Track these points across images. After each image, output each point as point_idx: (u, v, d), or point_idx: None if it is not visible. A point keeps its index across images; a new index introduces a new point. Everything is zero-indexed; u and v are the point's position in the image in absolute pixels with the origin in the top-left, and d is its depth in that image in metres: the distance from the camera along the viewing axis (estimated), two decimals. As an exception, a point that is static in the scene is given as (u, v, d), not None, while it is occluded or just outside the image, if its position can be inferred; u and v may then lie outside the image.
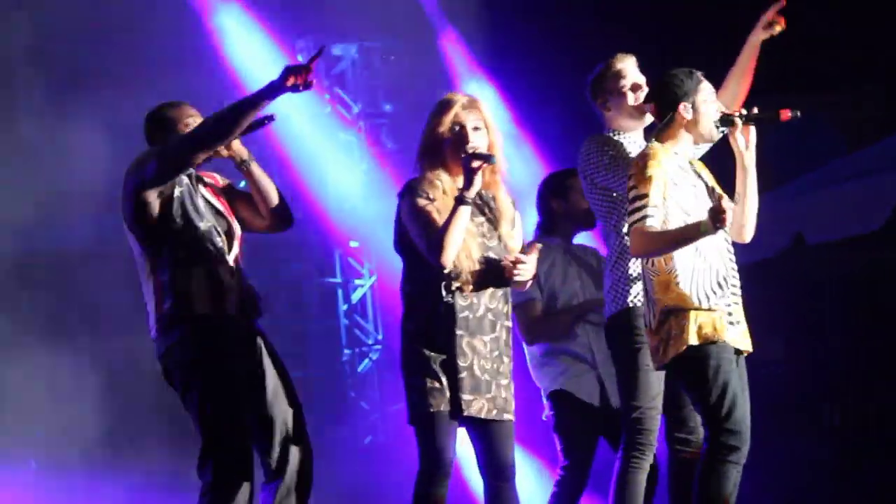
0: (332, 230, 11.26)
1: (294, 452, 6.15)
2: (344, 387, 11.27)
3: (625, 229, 6.19)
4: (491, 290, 6.06)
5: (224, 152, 6.18)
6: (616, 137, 6.51)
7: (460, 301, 5.99)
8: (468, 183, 5.90)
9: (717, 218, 5.67)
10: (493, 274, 6.05)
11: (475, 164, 5.92)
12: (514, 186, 6.31)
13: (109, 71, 9.47)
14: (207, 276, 6.07)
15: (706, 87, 6.02)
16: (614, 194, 6.35)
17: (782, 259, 9.92)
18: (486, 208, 6.13)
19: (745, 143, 6.03)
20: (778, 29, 6.51)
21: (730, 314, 5.94)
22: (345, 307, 11.69)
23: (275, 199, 6.22)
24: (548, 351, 7.22)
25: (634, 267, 6.29)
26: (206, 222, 6.10)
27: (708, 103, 6.01)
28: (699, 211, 5.86)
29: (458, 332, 5.97)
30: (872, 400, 10.95)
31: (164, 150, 6.03)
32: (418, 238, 5.97)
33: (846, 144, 11.74)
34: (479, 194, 6.03)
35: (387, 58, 10.33)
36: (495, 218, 6.15)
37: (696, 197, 5.95)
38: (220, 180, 6.33)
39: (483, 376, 5.99)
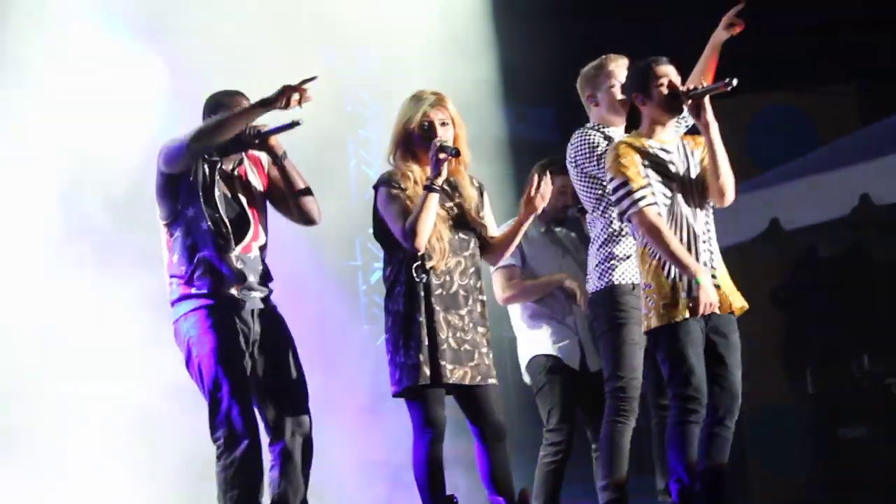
0: (352, 218, 11.16)
1: (292, 419, 6.33)
2: (363, 359, 11.12)
3: (614, 215, 6.41)
4: (462, 267, 6.21)
5: (261, 148, 6.32)
6: (597, 131, 6.63)
7: (434, 280, 6.13)
8: (436, 171, 6.09)
9: (703, 297, 5.94)
10: (462, 252, 6.22)
11: (441, 155, 6.09)
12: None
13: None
14: (209, 263, 6.25)
15: (659, 72, 6.18)
16: (603, 183, 6.47)
17: (760, 241, 10.15)
18: (455, 194, 6.27)
19: (697, 115, 6.15)
20: (738, 30, 6.59)
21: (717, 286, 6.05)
22: (364, 287, 11.83)
23: (303, 197, 6.37)
24: (533, 314, 7.29)
25: (620, 248, 6.49)
26: (215, 213, 6.25)
27: (660, 89, 6.16)
28: (673, 185, 6.10)
29: (436, 307, 6.10)
30: (845, 368, 11.07)
31: (174, 139, 6.25)
32: (393, 225, 6.13)
33: (819, 137, 11.90)
34: (447, 181, 6.20)
35: (402, 60, 10.40)
36: (462, 203, 6.29)
37: (669, 173, 6.13)
38: (265, 162, 6.48)
39: (463, 347, 6.13)
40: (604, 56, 6.76)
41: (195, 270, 6.28)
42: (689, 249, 6.10)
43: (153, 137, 8.50)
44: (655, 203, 6.08)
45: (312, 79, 6.11)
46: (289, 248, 9.48)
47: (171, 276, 6.38)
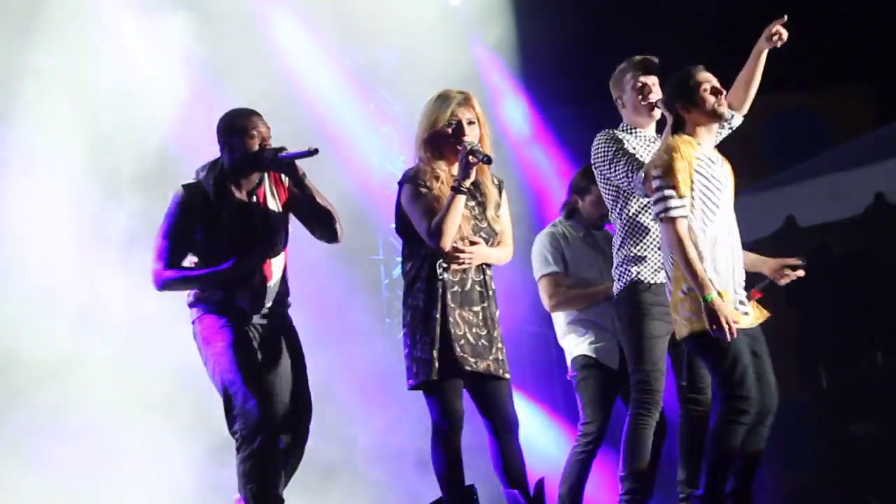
0: (376, 213, 11.34)
1: (291, 430, 6.38)
2: (386, 350, 11.12)
3: (631, 212, 6.51)
4: (476, 265, 6.20)
5: (279, 171, 6.35)
6: (626, 133, 6.69)
7: (451, 277, 6.14)
8: (464, 174, 6.07)
9: (713, 318, 5.93)
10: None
11: (472, 159, 6.06)
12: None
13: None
14: (224, 285, 6.32)
15: (700, 79, 6.20)
16: (617, 185, 6.56)
17: (775, 239, 10.09)
18: (477, 193, 6.26)
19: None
20: (779, 43, 6.60)
21: (740, 302, 6.12)
22: (386, 281, 11.83)
23: (323, 217, 6.36)
24: (574, 319, 7.36)
25: (638, 249, 6.55)
26: (228, 242, 6.26)
27: (704, 95, 6.17)
28: (718, 197, 6.13)
29: (451, 305, 6.11)
30: (856, 365, 11.13)
31: (156, 248, 6.32)
32: (418, 223, 6.10)
33: (833, 137, 11.90)
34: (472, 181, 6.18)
35: (425, 61, 10.44)
36: (485, 202, 6.29)
37: (715, 184, 6.16)
38: (285, 179, 6.46)
39: (480, 342, 6.15)
40: (628, 59, 6.78)
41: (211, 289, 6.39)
42: (731, 259, 6.14)
43: (182, 105, 8.61)
44: (688, 217, 6.08)
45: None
46: (312, 243, 9.57)
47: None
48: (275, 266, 6.41)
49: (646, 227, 6.62)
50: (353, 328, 10.62)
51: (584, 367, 7.29)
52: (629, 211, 6.60)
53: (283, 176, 6.47)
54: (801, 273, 6.58)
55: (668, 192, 6.05)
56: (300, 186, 6.33)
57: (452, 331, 6.09)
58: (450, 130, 6.18)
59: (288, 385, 6.40)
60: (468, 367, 6.10)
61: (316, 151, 6.23)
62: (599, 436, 7.18)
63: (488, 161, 6.11)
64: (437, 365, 6.06)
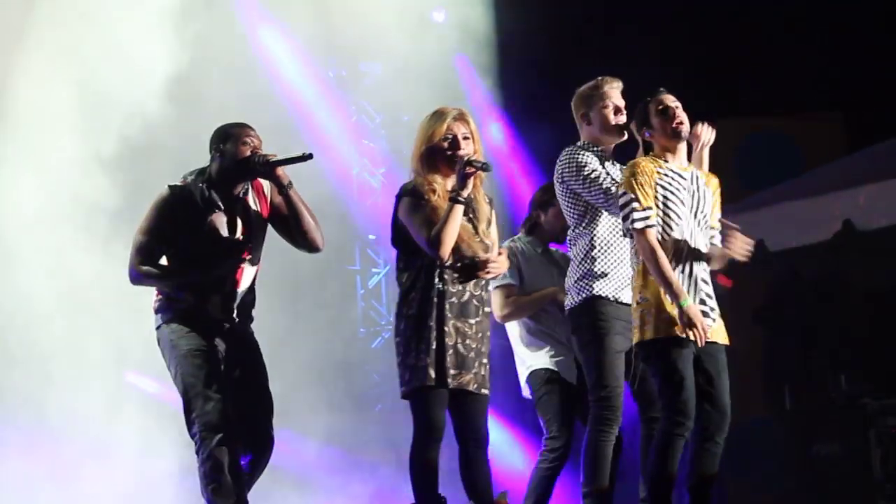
0: (354, 224, 11.48)
1: (253, 438, 6.41)
2: (359, 361, 11.44)
3: (599, 227, 6.56)
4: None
5: (267, 177, 6.36)
6: (587, 149, 6.68)
7: (450, 288, 6.20)
8: (462, 184, 6.15)
9: (690, 324, 6.01)
10: (475, 266, 6.24)
11: (469, 169, 6.14)
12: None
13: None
14: (193, 295, 6.37)
15: (662, 101, 6.29)
16: (584, 200, 6.59)
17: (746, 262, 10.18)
18: (468, 209, 6.30)
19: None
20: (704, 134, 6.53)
21: (705, 314, 6.15)
22: (362, 292, 11.94)
23: (307, 226, 6.40)
24: (533, 331, 7.37)
25: (599, 265, 6.58)
26: (208, 246, 6.31)
27: (660, 120, 6.27)
28: (684, 208, 6.19)
29: (448, 315, 6.17)
30: (821, 387, 11.11)
31: (136, 243, 6.34)
32: (418, 235, 6.15)
33: (806, 162, 11.85)
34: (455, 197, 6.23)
35: (407, 75, 10.47)
36: (476, 217, 6.35)
37: (680, 196, 6.21)
38: (267, 191, 6.51)
39: (469, 354, 6.21)
40: (600, 77, 6.80)
41: (179, 293, 6.42)
42: (690, 270, 6.19)
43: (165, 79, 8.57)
44: (656, 226, 6.17)
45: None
46: (289, 253, 9.56)
47: (160, 291, 6.52)
48: (246, 274, 6.47)
49: (611, 243, 6.65)
50: (327, 337, 10.62)
51: (546, 382, 7.28)
52: (596, 226, 6.63)
53: (265, 188, 6.51)
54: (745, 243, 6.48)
55: (633, 205, 6.15)
56: (286, 194, 6.37)
57: (445, 341, 6.15)
58: (445, 145, 6.25)
59: (249, 392, 6.44)
60: (449, 379, 6.15)
61: (310, 156, 6.30)
62: (565, 451, 7.17)
63: (487, 168, 6.21)
64: (428, 372, 6.13)
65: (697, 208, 6.28)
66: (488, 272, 6.22)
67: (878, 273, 11.19)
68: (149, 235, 6.39)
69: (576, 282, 6.62)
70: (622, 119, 6.71)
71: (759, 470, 11.03)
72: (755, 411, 11.32)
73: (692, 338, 6.07)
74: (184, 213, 6.37)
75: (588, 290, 6.57)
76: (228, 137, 6.42)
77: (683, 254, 6.20)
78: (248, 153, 6.37)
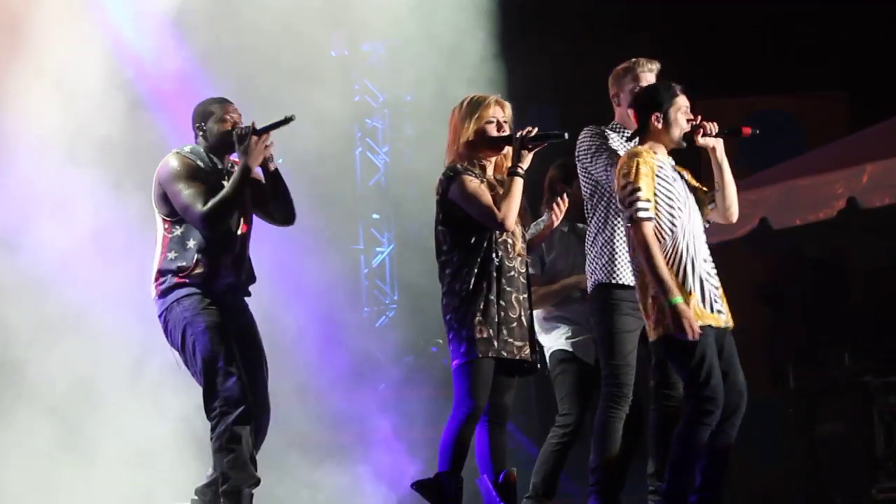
0: (357, 204, 11.53)
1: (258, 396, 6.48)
2: (363, 339, 11.37)
3: (608, 208, 6.51)
4: (524, 253, 6.42)
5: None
6: (614, 131, 6.67)
7: (507, 263, 6.31)
8: (520, 157, 6.28)
9: (679, 323, 5.99)
10: (523, 241, 6.42)
11: (536, 142, 6.26)
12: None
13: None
14: (207, 263, 6.45)
15: (679, 101, 6.24)
16: (596, 179, 6.58)
17: (748, 240, 10.16)
18: (499, 186, 6.37)
19: (713, 148, 6.26)
20: (708, 131, 6.34)
21: (714, 301, 6.13)
22: (366, 271, 11.95)
23: (285, 198, 6.55)
24: (550, 316, 7.34)
25: (609, 247, 6.56)
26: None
27: (679, 116, 6.23)
28: (681, 202, 6.15)
29: (508, 288, 6.28)
30: (824, 366, 11.11)
31: (185, 204, 6.39)
32: (481, 209, 6.23)
33: (809, 141, 11.91)
34: (497, 178, 6.38)
35: (410, 54, 10.44)
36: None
37: (677, 190, 6.18)
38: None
39: (527, 325, 6.34)
40: (635, 59, 6.75)
41: (193, 269, 6.47)
42: (694, 265, 6.15)
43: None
44: (654, 219, 6.13)
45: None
46: (294, 232, 9.55)
47: (164, 271, 6.54)
48: (247, 240, 6.62)
49: (618, 224, 6.60)
50: (331, 316, 10.62)
51: (562, 362, 7.26)
52: (603, 207, 6.63)
53: None
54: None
55: (637, 194, 6.12)
56: (266, 165, 6.49)
57: (504, 314, 6.27)
58: (492, 127, 6.37)
59: (254, 363, 6.55)
60: (513, 352, 6.27)
61: (292, 118, 6.40)
62: (576, 428, 7.14)
63: (562, 137, 6.33)
64: (493, 344, 6.22)
65: (690, 201, 6.26)
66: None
67: (882, 251, 11.20)
68: (192, 182, 6.45)
69: (589, 263, 6.65)
70: None
71: (762, 449, 11.01)
72: (758, 390, 11.25)
73: (679, 335, 6.04)
74: (199, 172, 6.50)
75: (600, 272, 6.58)
76: (209, 115, 6.58)
77: (688, 248, 6.17)
78: (230, 128, 6.51)
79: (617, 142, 6.65)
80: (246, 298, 6.71)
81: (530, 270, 7.05)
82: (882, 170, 9.57)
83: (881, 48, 12.15)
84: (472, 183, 6.30)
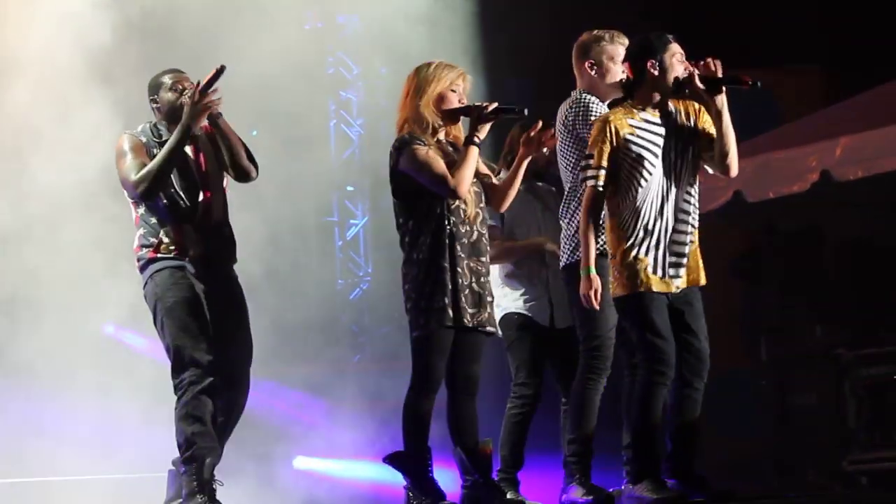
0: (331, 176, 11.46)
1: (232, 381, 6.45)
2: (337, 312, 11.48)
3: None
4: (481, 217, 6.38)
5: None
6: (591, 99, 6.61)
7: (462, 228, 6.28)
8: (478, 128, 6.26)
9: (588, 298, 6.13)
10: (479, 204, 6.37)
11: (495, 115, 6.25)
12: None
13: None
14: (172, 236, 6.42)
15: (673, 48, 6.15)
16: (582, 147, 6.42)
17: (723, 213, 10.14)
18: (456, 152, 6.37)
19: (710, 100, 6.13)
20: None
21: (668, 266, 6.11)
22: (340, 243, 11.94)
23: (238, 154, 6.50)
24: (510, 273, 7.28)
25: None
26: (169, 189, 6.42)
27: (674, 62, 6.14)
28: (655, 161, 6.10)
29: (460, 254, 6.25)
30: (797, 337, 11.18)
31: (125, 177, 6.38)
32: (432, 178, 6.21)
33: (784, 115, 11.90)
34: (448, 142, 6.38)
35: (385, 27, 10.42)
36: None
37: (653, 149, 6.11)
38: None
39: (484, 292, 6.31)
40: (611, 31, 6.70)
41: (160, 243, 6.46)
42: (657, 224, 6.13)
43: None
44: (598, 186, 6.14)
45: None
46: (268, 204, 9.54)
47: (139, 247, 6.54)
48: (215, 202, 6.54)
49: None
50: (305, 288, 10.63)
51: (518, 328, 7.22)
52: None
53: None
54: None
55: (589, 161, 6.18)
56: (215, 123, 6.47)
57: (459, 281, 6.24)
58: (454, 97, 6.35)
59: (229, 335, 6.47)
60: (467, 319, 6.24)
61: (223, 69, 6.34)
62: (535, 398, 7.15)
63: (521, 111, 6.34)
64: (447, 313, 6.20)
65: (677, 149, 6.20)
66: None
67: (855, 224, 11.24)
68: (128, 156, 6.44)
69: (571, 236, 6.59)
70: (619, 74, 6.57)
71: (735, 420, 11.06)
72: (732, 362, 11.35)
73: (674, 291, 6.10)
74: (146, 151, 6.47)
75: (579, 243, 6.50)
76: (160, 87, 6.57)
77: (651, 208, 6.14)
78: (179, 96, 6.49)
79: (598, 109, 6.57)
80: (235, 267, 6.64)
81: (490, 222, 7.01)
82: (855, 143, 9.60)
83: (856, 22, 12.15)
84: (421, 151, 6.27)
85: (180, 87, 6.51)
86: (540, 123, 6.46)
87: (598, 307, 6.20)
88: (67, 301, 9.05)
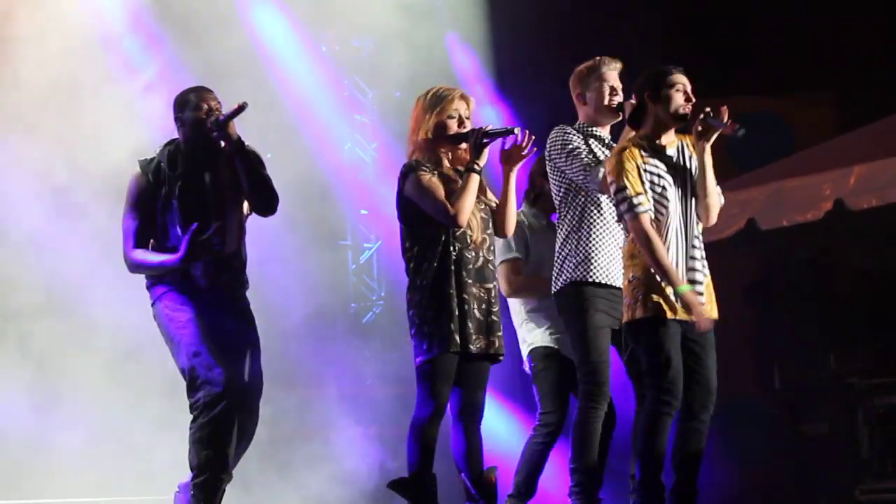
0: (345, 199, 11.47)
1: (247, 392, 6.35)
2: (350, 336, 11.45)
3: (581, 207, 6.56)
4: (488, 244, 6.37)
5: (221, 138, 6.32)
6: (581, 131, 6.69)
7: (467, 254, 6.27)
8: (478, 154, 6.28)
9: (688, 310, 6.03)
10: (486, 230, 6.36)
11: (487, 139, 6.26)
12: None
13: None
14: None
15: (675, 79, 6.18)
16: (572, 179, 6.59)
17: (736, 240, 10.11)
18: (459, 177, 6.35)
19: (700, 138, 6.16)
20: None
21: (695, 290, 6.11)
22: (353, 267, 11.93)
23: (260, 185, 6.37)
24: (534, 308, 7.30)
25: (581, 247, 6.59)
26: (180, 213, 6.30)
27: (674, 94, 6.16)
28: (668, 195, 6.12)
29: (466, 280, 6.25)
30: (810, 366, 11.14)
31: (123, 229, 6.35)
32: (434, 205, 6.22)
33: (797, 142, 11.90)
34: (456, 169, 6.37)
35: (400, 50, 10.46)
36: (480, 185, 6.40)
37: (664, 183, 6.13)
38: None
39: (489, 318, 6.29)
40: (598, 58, 6.78)
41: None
42: (677, 256, 6.16)
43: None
44: (649, 211, 6.13)
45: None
46: (282, 227, 9.56)
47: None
48: (228, 235, 6.43)
49: (593, 223, 6.67)
50: (318, 312, 10.64)
51: (545, 358, 7.24)
52: (578, 206, 6.65)
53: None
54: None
55: (625, 192, 6.12)
56: (239, 153, 6.37)
57: (465, 307, 6.24)
58: (453, 123, 6.36)
59: (245, 357, 6.40)
60: (473, 345, 6.24)
61: (245, 106, 6.27)
62: (559, 427, 7.13)
63: (512, 132, 6.34)
64: (453, 339, 6.19)
65: (687, 182, 6.24)
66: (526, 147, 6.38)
67: (868, 253, 11.23)
68: (133, 218, 6.39)
69: (559, 264, 6.65)
70: (617, 100, 6.69)
71: (747, 448, 11.06)
72: (744, 389, 11.36)
73: (698, 325, 6.07)
74: (156, 184, 6.38)
75: (572, 271, 6.59)
76: (186, 104, 6.45)
77: (673, 238, 6.17)
78: (203, 116, 6.39)
79: (586, 141, 6.65)
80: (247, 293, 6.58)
81: (515, 255, 7.18)
82: (869, 172, 9.57)
83: (871, 50, 12.17)
84: (424, 178, 6.28)
85: (205, 105, 6.39)
86: (517, 135, 6.42)
87: (708, 324, 6.12)
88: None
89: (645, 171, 6.16)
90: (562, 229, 6.70)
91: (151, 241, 6.42)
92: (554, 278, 6.69)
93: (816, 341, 11.25)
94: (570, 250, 6.62)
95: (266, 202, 6.44)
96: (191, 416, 6.31)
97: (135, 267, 6.42)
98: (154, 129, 8.22)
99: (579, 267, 6.58)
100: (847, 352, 10.91)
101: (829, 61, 12.29)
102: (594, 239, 6.60)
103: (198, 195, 6.39)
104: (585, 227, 6.63)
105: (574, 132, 6.68)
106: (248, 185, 6.38)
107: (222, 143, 6.39)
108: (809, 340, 11.31)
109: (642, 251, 6.10)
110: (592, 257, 6.58)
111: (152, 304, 6.46)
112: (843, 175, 9.70)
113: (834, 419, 10.70)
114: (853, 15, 12.04)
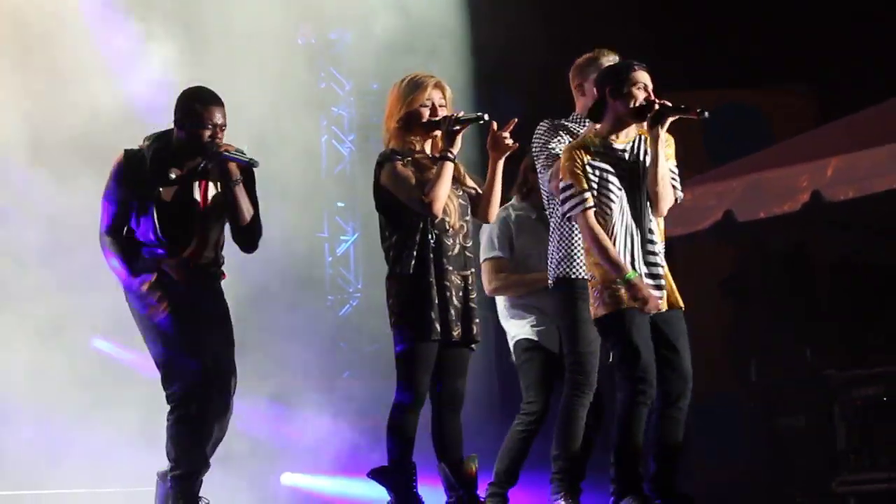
0: (322, 192, 11.45)
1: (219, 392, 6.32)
2: (327, 328, 11.43)
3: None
4: (465, 230, 6.36)
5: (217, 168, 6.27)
6: (575, 122, 6.73)
7: (446, 241, 6.26)
8: (451, 142, 6.23)
9: (636, 296, 6.07)
10: (464, 217, 6.34)
11: (459, 127, 6.22)
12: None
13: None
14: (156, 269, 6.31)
15: (636, 76, 6.20)
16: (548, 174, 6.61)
17: (713, 233, 10.13)
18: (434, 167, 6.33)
19: (653, 126, 6.14)
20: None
21: (651, 286, 6.15)
22: (330, 259, 11.92)
23: (245, 223, 6.33)
24: (516, 303, 7.35)
25: (567, 242, 6.62)
26: (159, 218, 6.22)
27: (633, 90, 6.18)
28: (615, 190, 6.16)
29: (447, 268, 6.26)
30: (786, 359, 11.19)
31: (102, 208, 6.31)
32: (408, 194, 6.21)
33: (775, 134, 11.93)
34: (432, 156, 6.33)
35: (376, 43, 10.45)
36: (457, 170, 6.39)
37: (613, 179, 6.17)
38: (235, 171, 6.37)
39: (467, 305, 6.30)
40: (597, 49, 6.81)
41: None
42: (630, 249, 6.20)
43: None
44: (594, 207, 6.18)
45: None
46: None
47: None
48: (207, 248, 6.40)
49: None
50: (295, 305, 10.63)
51: (527, 350, 7.28)
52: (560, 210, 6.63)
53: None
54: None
55: (570, 190, 6.19)
56: (228, 190, 6.29)
57: (444, 294, 6.24)
58: (426, 111, 6.33)
59: (220, 350, 6.37)
60: (454, 333, 6.25)
61: (256, 164, 6.28)
62: (541, 416, 7.17)
63: (481, 119, 6.27)
64: (434, 327, 6.19)
65: (641, 177, 6.25)
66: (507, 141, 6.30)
67: (845, 245, 11.27)
68: (111, 202, 6.35)
69: (549, 257, 6.69)
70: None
71: (724, 442, 11.10)
72: (720, 383, 11.39)
73: (644, 308, 6.11)
74: (137, 179, 6.30)
75: (558, 267, 6.64)
76: (189, 115, 6.31)
77: (620, 232, 6.20)
78: (206, 138, 6.28)
79: (577, 132, 6.66)
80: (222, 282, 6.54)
81: (499, 253, 7.23)
82: (846, 164, 9.60)
83: (848, 43, 12.21)
84: (399, 168, 6.27)
85: (210, 125, 6.25)
86: (495, 125, 6.38)
87: (656, 306, 6.17)
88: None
89: (592, 168, 6.18)
90: (551, 224, 6.73)
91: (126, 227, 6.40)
92: (550, 270, 6.72)
93: (793, 334, 11.28)
94: (555, 246, 6.66)
95: (250, 240, 6.42)
96: (167, 407, 6.29)
97: (103, 249, 6.38)
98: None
99: (563, 263, 6.62)
100: (823, 345, 10.97)
101: (806, 54, 12.33)
102: (576, 235, 6.60)
103: (180, 207, 6.32)
104: (568, 223, 6.61)
105: (555, 127, 6.68)
106: (236, 223, 6.33)
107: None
108: (786, 333, 11.34)
109: (590, 246, 6.16)
110: (574, 254, 6.61)
111: (126, 297, 6.43)
112: (820, 167, 9.72)
113: (810, 412, 10.72)
114: (830, 7, 12.08)
